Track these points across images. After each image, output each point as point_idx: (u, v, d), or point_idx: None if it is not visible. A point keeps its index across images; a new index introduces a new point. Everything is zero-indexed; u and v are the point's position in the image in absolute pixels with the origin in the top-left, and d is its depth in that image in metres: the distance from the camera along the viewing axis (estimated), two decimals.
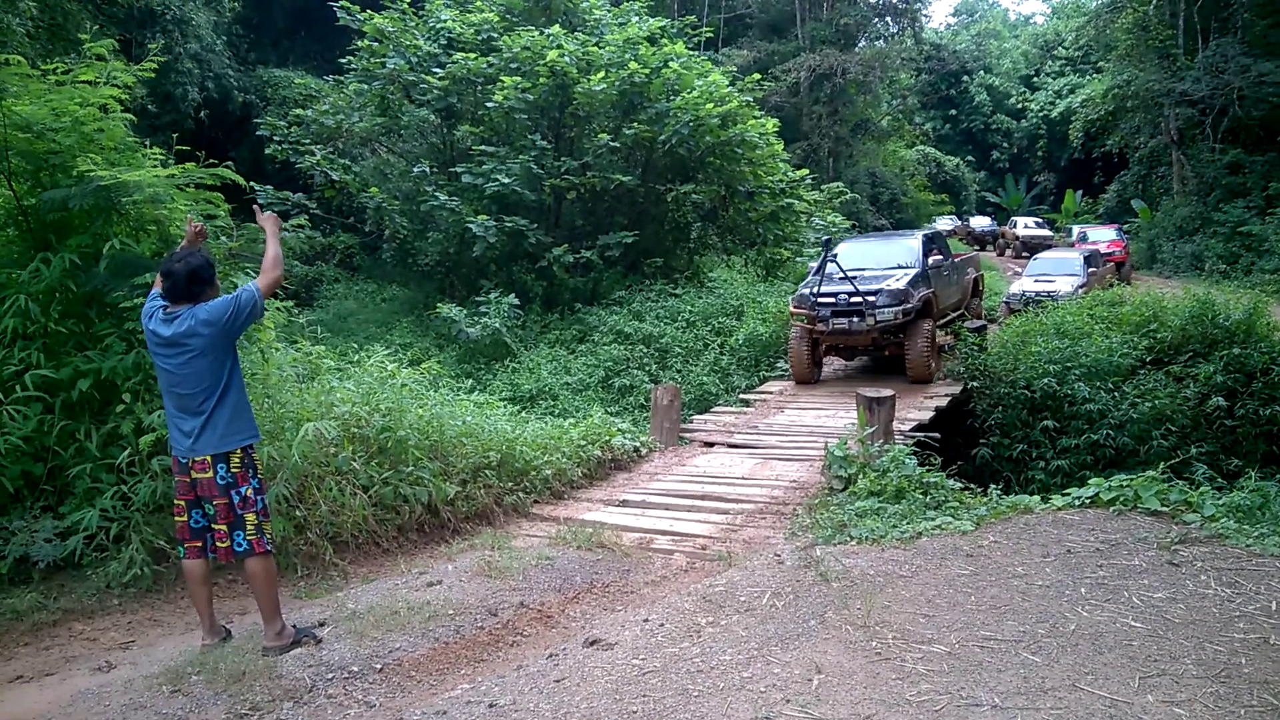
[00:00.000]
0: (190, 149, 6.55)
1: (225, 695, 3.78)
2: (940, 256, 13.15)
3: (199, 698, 3.77)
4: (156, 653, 4.32)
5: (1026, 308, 15.97)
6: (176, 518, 4.20)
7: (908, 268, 12.20)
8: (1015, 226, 35.64)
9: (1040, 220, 37.62)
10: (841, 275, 11.60)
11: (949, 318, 13.39)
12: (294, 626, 4.31)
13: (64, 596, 4.79)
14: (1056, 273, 18.55)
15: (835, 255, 11.94)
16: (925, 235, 13.46)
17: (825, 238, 12.64)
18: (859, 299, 11.43)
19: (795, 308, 12.25)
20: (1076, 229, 30.36)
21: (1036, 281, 18.17)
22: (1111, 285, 18.40)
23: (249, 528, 4.09)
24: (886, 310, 11.32)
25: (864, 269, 12.21)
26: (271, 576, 4.20)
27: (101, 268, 5.30)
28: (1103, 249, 25.09)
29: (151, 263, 5.20)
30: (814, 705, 3.22)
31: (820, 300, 11.77)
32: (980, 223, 41.85)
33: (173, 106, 20.27)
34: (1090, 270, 18.79)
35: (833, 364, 13.72)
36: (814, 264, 12.87)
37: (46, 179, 5.51)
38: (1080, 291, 16.38)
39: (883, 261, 12.63)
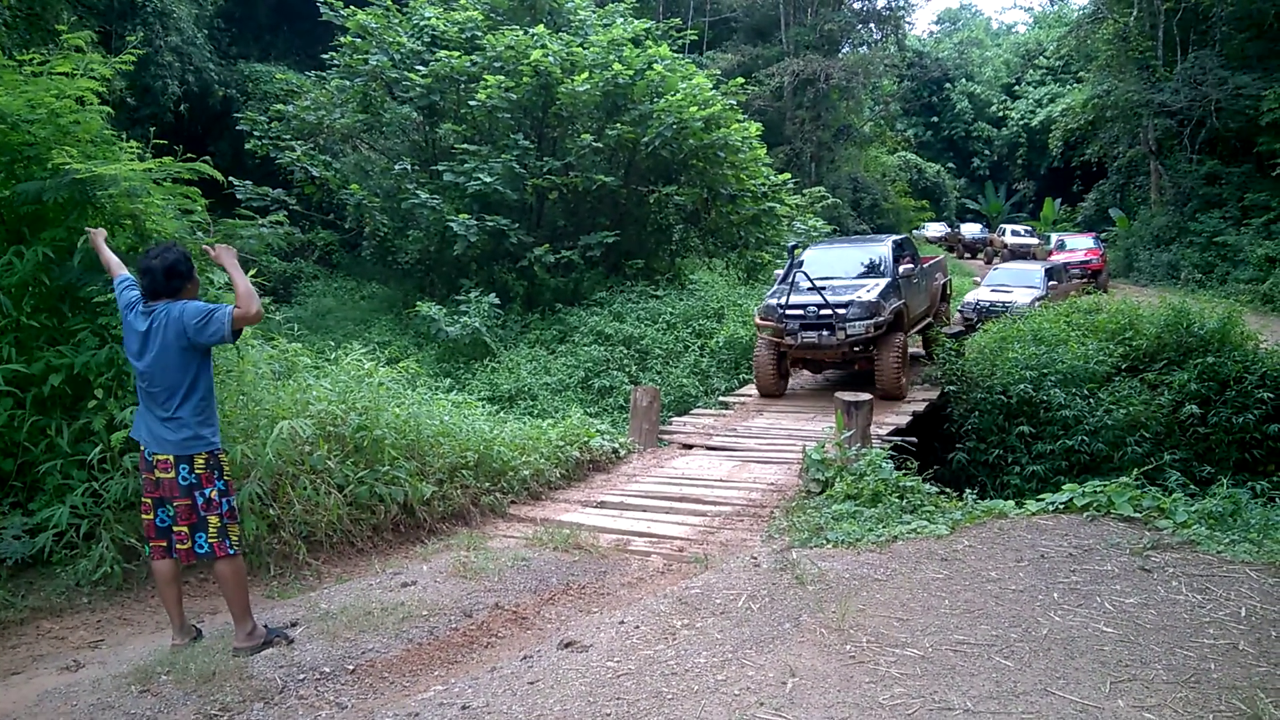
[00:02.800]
0: (169, 143, 6.50)
1: (195, 696, 3.74)
2: (910, 264, 12.57)
3: (168, 698, 3.73)
4: (126, 652, 4.27)
5: (979, 318, 16.02)
6: (144, 515, 4.16)
7: (878, 276, 11.78)
8: (1004, 234, 35.84)
9: (1030, 229, 37.85)
10: (810, 285, 11.09)
11: (918, 326, 13.01)
12: (265, 627, 4.27)
13: (32, 594, 4.72)
14: (1015, 284, 18.22)
15: (801, 263, 11.35)
16: (895, 241, 12.89)
17: (791, 244, 12.02)
18: (829, 311, 10.95)
19: (762, 319, 11.68)
20: (1055, 237, 30.62)
21: (993, 291, 17.88)
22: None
23: (211, 530, 4.04)
24: (858, 323, 10.85)
25: (832, 278, 11.72)
26: (241, 578, 4.15)
27: (75, 262, 5.24)
28: (1080, 257, 25.33)
29: (126, 257, 5.14)
30: (788, 708, 3.22)
31: (788, 312, 11.23)
32: (971, 230, 42.15)
33: (152, 99, 20.02)
34: (1051, 283, 18.45)
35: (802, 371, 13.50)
36: (780, 272, 12.25)
37: (21, 171, 5.43)
38: (1038, 304, 15.97)
39: (851, 269, 12.21)
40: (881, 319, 10.93)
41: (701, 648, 3.82)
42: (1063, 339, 12.20)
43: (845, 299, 11.05)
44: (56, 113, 5.38)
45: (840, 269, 12.22)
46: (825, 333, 11.06)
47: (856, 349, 11.23)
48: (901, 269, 12.07)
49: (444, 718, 3.39)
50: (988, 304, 16.76)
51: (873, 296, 11.06)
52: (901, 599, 4.27)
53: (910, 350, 12.29)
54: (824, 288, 11.13)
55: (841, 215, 32.38)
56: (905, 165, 47.08)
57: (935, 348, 12.87)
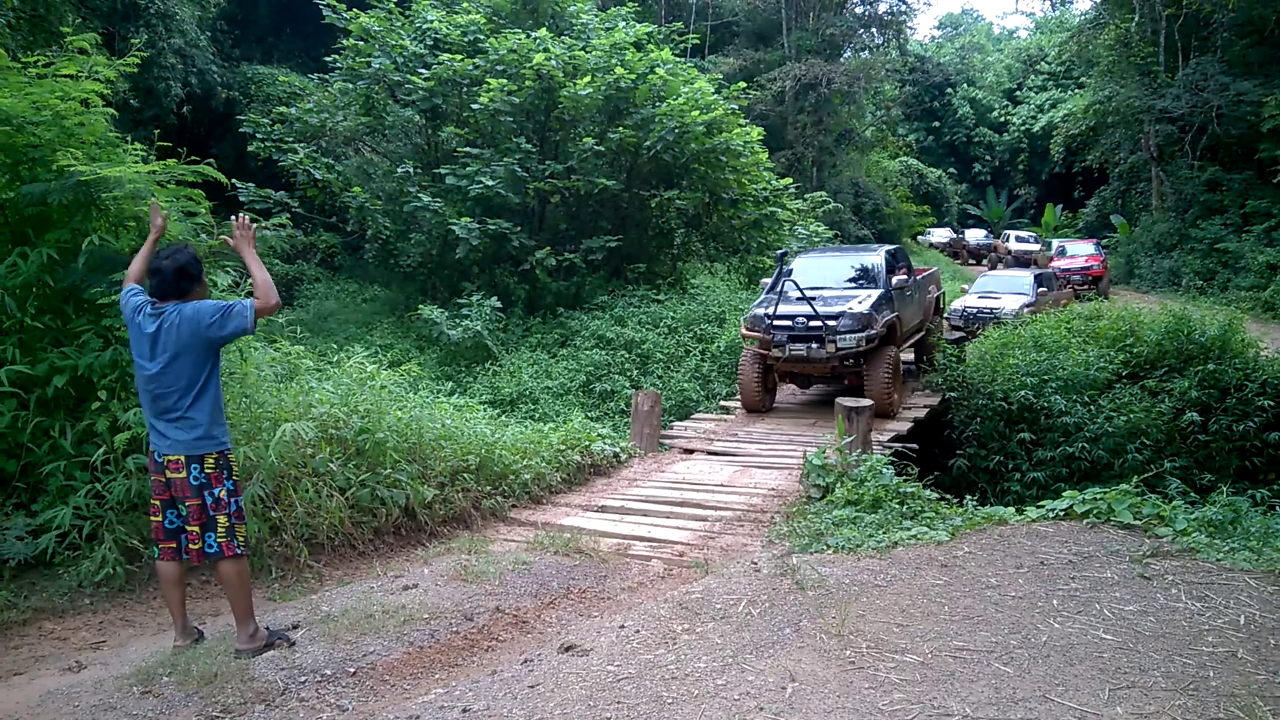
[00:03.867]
0: (172, 145, 6.52)
1: (196, 697, 3.75)
2: (904, 275, 11.99)
3: (170, 699, 3.74)
4: (128, 653, 4.28)
5: (968, 325, 15.98)
6: (152, 518, 4.17)
7: (870, 288, 11.35)
8: (1008, 240, 35.92)
9: (1034, 235, 37.90)
10: (799, 295, 10.57)
11: (911, 340, 12.60)
12: (267, 629, 4.28)
13: (35, 595, 4.74)
14: (1004, 291, 18.00)
15: (790, 271, 10.75)
16: (888, 251, 12.30)
17: (780, 251, 11.44)
18: (819, 323, 10.43)
19: (748, 330, 11.20)
20: (1056, 243, 30.65)
21: (981, 298, 17.72)
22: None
23: (220, 529, 4.06)
24: (849, 336, 10.34)
25: (822, 288, 11.23)
26: (244, 579, 4.17)
27: (80, 263, 5.26)
28: (1081, 263, 25.36)
29: (130, 259, 5.16)
30: (787, 714, 3.23)
31: (776, 323, 10.73)
32: (975, 236, 42.29)
33: (155, 101, 20.05)
34: (1040, 290, 18.22)
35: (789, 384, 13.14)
36: (767, 281, 11.73)
37: (25, 173, 5.46)
38: (1026, 311, 15.70)
39: (842, 279, 11.75)
40: (874, 332, 10.50)
41: (701, 652, 3.83)
42: (1063, 346, 12.20)
43: (836, 310, 10.61)
44: (61, 115, 5.40)
45: (831, 279, 11.75)
46: (814, 345, 10.57)
47: (847, 363, 10.71)
48: (895, 280, 11.57)
49: None
50: (975, 310, 16.71)
51: (865, 308, 10.64)
52: (901, 605, 4.28)
53: (903, 362, 11.95)
54: (814, 298, 10.67)
55: (843, 220, 32.37)
56: (907, 170, 47.10)
57: (936, 354, 12.81)
